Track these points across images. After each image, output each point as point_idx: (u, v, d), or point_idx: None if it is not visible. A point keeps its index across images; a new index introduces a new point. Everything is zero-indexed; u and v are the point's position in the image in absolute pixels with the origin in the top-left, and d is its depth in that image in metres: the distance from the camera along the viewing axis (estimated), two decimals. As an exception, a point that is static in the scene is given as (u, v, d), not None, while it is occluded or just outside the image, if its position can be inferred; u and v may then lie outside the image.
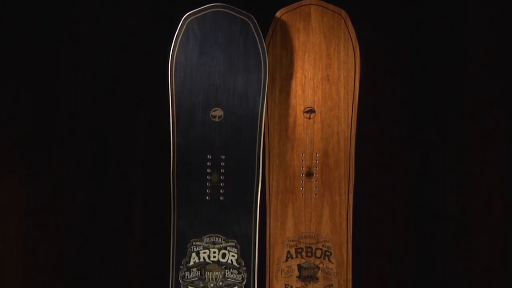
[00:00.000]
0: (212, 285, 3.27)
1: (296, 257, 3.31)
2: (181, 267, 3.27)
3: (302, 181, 3.33)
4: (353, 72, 3.36)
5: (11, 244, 4.40)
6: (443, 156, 4.33)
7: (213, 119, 3.30)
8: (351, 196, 3.33)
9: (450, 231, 4.43)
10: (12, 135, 4.40)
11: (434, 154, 4.33)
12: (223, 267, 3.27)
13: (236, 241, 3.27)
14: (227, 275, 3.26)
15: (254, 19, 3.33)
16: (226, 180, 3.30)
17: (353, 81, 3.35)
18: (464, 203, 4.41)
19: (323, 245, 3.31)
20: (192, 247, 3.28)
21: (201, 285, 3.27)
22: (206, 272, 3.27)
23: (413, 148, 4.29)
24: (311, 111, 3.36)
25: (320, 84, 3.35)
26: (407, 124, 4.27)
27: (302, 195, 3.33)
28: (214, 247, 3.28)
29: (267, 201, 3.36)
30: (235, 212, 3.28)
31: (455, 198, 4.39)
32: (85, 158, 4.43)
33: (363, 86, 3.46)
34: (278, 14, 3.40)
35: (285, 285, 3.30)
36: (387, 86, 4.21)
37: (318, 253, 3.31)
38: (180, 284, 3.27)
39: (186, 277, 3.27)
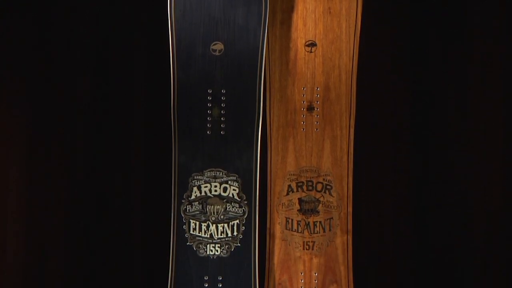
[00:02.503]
0: (213, 218, 3.28)
1: (297, 191, 3.31)
2: (183, 201, 3.28)
3: (303, 115, 3.32)
4: (355, 4, 3.32)
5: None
6: (447, 86, 4.32)
7: (214, 53, 3.28)
8: (352, 130, 3.32)
9: (453, 159, 4.43)
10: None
11: (437, 86, 4.31)
12: (224, 200, 3.28)
13: (237, 175, 3.28)
14: (229, 208, 3.27)
15: (254, -51, 3.29)
16: (227, 115, 3.29)
17: (355, 14, 3.31)
18: (466, 129, 4.39)
19: (323, 179, 3.31)
20: (193, 181, 3.29)
21: (203, 218, 3.28)
22: (208, 206, 3.28)
23: (416, 80, 4.27)
24: (312, 44, 3.33)
25: (321, 16, 3.32)
26: (410, 57, 4.24)
27: (303, 129, 3.32)
28: (215, 181, 3.28)
29: (268, 136, 3.36)
30: (236, 146, 3.28)
31: (457, 127, 4.38)
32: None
33: (365, 18, 3.42)
34: None
35: (286, 218, 3.31)
36: (390, 18, 4.18)
37: (319, 186, 3.31)
38: (182, 217, 3.28)
39: (187, 211, 3.28)
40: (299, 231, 3.30)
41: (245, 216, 3.27)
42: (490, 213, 4.50)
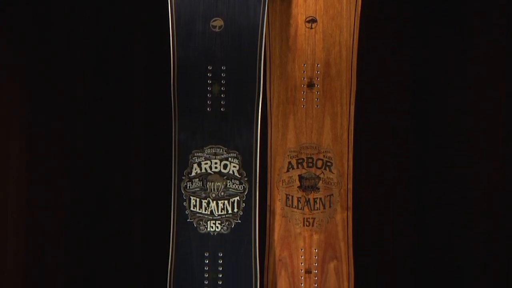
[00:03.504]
0: (214, 195, 3.27)
1: (297, 167, 3.31)
2: (183, 177, 3.27)
3: (303, 92, 3.33)
4: (355, -20, 3.34)
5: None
6: (447, 61, 4.32)
7: (213, 30, 3.29)
8: (352, 106, 3.32)
9: (453, 132, 4.43)
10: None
11: (438, 59, 4.31)
12: (224, 177, 3.27)
13: (237, 152, 3.27)
14: (229, 185, 3.27)
15: None
16: (227, 91, 3.29)
17: (355, -11, 3.33)
18: (468, 100, 4.38)
19: (324, 156, 3.31)
20: (193, 158, 3.28)
21: (203, 195, 3.27)
22: (208, 183, 3.27)
23: (416, 55, 4.27)
24: (313, 20, 3.34)
25: (322, -8, 3.34)
26: (411, 32, 4.25)
27: (303, 106, 3.32)
28: (215, 158, 3.28)
29: (268, 113, 3.36)
30: (236, 123, 3.28)
31: (458, 98, 4.38)
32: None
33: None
34: None
35: (286, 195, 3.30)
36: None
37: (319, 163, 3.31)
38: (182, 194, 3.27)
39: (188, 188, 3.28)
40: (299, 207, 3.29)
41: (245, 193, 3.26)
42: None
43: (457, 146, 4.46)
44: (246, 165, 3.26)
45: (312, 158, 3.30)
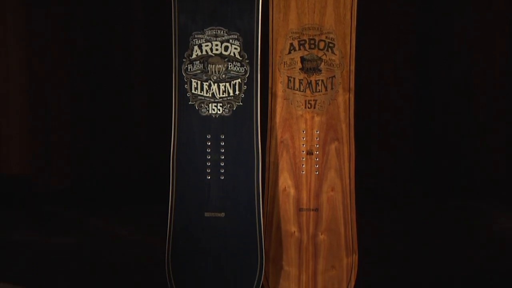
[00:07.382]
0: (215, 77, 3.25)
1: (299, 49, 3.28)
2: (184, 60, 3.25)
3: (305, -30, 3.26)
4: None
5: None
6: None
7: None
8: (355, -15, 3.27)
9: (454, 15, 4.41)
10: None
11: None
12: (225, 60, 3.25)
13: (238, 34, 3.24)
14: (230, 67, 3.25)
15: None
16: (227, -25, 3.23)
17: None
18: None
19: (326, 37, 3.27)
20: (194, 40, 3.25)
21: (204, 77, 3.25)
22: (209, 65, 3.25)
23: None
24: None
25: None
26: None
27: (305, -15, 3.27)
28: (216, 40, 3.24)
29: (270, -7, 3.31)
30: (237, 4, 3.23)
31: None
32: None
33: None
34: None
35: (288, 77, 3.28)
36: None
37: (321, 45, 3.28)
38: (183, 76, 3.25)
39: (188, 70, 3.26)
40: (301, 89, 3.28)
41: (247, 75, 3.25)
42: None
43: (458, 22, 4.44)
44: (247, 47, 3.24)
45: (314, 40, 3.27)
